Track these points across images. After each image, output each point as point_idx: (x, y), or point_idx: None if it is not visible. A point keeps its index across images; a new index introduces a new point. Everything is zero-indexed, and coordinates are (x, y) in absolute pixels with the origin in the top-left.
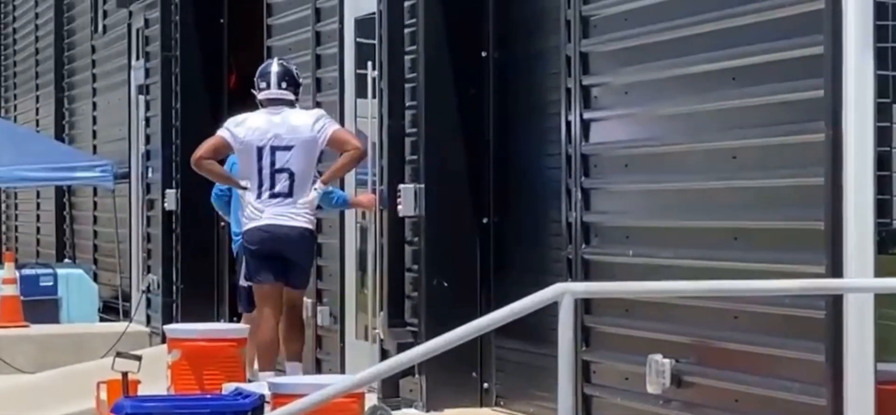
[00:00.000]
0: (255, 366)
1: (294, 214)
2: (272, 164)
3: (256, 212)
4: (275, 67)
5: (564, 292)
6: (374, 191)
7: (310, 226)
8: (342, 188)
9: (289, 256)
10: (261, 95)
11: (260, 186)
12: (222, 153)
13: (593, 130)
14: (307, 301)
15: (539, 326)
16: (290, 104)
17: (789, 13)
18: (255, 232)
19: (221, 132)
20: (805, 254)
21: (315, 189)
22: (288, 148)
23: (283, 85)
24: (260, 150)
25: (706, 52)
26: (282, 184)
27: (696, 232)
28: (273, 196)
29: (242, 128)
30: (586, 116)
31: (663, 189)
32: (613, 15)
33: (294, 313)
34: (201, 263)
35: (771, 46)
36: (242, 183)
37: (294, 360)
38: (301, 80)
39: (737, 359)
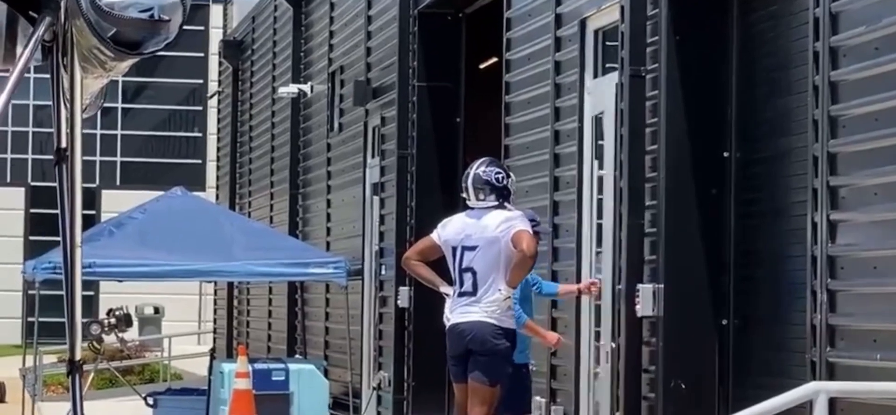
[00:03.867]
0: None
1: (475, 311)
2: (461, 263)
3: (448, 315)
4: (471, 181)
5: (819, 392)
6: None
7: (492, 320)
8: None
9: (472, 348)
10: (468, 203)
11: (454, 284)
12: (429, 254)
13: (840, 231)
14: (540, 400)
15: None
16: (496, 207)
17: None
18: (447, 334)
19: (432, 233)
20: None
21: (499, 290)
22: (473, 248)
23: (481, 196)
24: (454, 249)
25: None
26: (467, 283)
27: None
28: (461, 295)
29: (446, 229)
30: (833, 216)
31: None
32: (863, 115)
33: (468, 408)
34: (433, 360)
35: None
36: (443, 288)
37: None
38: (505, 182)
39: None
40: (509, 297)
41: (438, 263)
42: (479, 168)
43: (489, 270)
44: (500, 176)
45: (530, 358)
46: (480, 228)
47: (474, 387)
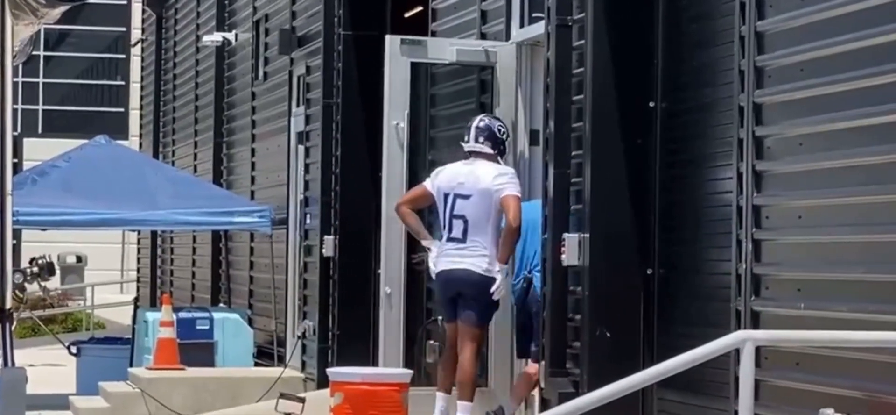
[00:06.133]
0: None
1: (465, 259)
2: (452, 209)
3: (434, 261)
4: (475, 123)
5: (746, 340)
6: None
7: (480, 270)
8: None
9: (463, 292)
10: (464, 147)
11: (443, 229)
12: (421, 202)
13: (766, 181)
14: None
15: (702, 377)
16: (488, 158)
17: None
18: (436, 280)
19: (425, 181)
20: None
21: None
22: (467, 196)
23: (480, 139)
24: (446, 196)
25: (886, 103)
26: (457, 230)
27: (873, 286)
28: (450, 240)
29: (439, 176)
30: (759, 167)
31: (838, 241)
32: (789, 65)
33: (458, 346)
34: (358, 309)
35: None
36: (425, 242)
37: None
38: (504, 137)
39: None
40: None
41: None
42: (485, 116)
43: (480, 221)
44: (502, 129)
45: None
46: (474, 178)
47: (464, 328)
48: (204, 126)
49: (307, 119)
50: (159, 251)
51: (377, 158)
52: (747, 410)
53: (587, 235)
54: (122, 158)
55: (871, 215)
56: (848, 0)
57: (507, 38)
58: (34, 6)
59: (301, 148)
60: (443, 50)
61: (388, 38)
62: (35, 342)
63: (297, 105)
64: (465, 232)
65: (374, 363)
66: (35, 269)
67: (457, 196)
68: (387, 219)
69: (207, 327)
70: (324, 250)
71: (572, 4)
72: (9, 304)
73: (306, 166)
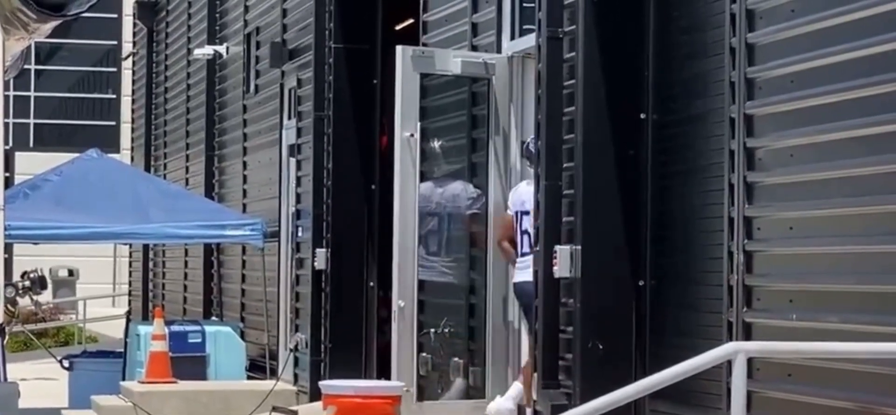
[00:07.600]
0: None
1: (530, 271)
2: (520, 225)
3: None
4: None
5: (738, 351)
6: None
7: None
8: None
9: (530, 304)
10: None
11: (518, 246)
12: (509, 230)
13: (756, 192)
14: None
15: (694, 389)
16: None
17: None
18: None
19: (507, 209)
20: None
21: None
22: (527, 212)
23: (523, 156)
24: (515, 215)
25: (876, 114)
26: (526, 245)
27: (864, 296)
28: (522, 255)
29: (511, 197)
30: (750, 178)
31: (829, 252)
32: (779, 77)
33: None
34: (350, 322)
35: None
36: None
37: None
38: (531, 152)
39: None
40: None
41: None
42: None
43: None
44: (531, 144)
45: None
46: (529, 195)
47: None
48: (195, 139)
49: (299, 132)
50: (151, 265)
51: (369, 171)
52: None
53: (579, 247)
54: (114, 171)
55: (863, 226)
56: (838, 12)
57: (499, 50)
58: (25, 21)
59: (292, 161)
60: (447, 61)
61: (399, 48)
62: (27, 356)
63: (289, 118)
64: (530, 245)
65: (367, 376)
66: (27, 283)
67: (522, 214)
68: (400, 232)
69: (199, 341)
70: (316, 263)
71: (563, 16)
72: (1, 318)
73: (298, 179)
